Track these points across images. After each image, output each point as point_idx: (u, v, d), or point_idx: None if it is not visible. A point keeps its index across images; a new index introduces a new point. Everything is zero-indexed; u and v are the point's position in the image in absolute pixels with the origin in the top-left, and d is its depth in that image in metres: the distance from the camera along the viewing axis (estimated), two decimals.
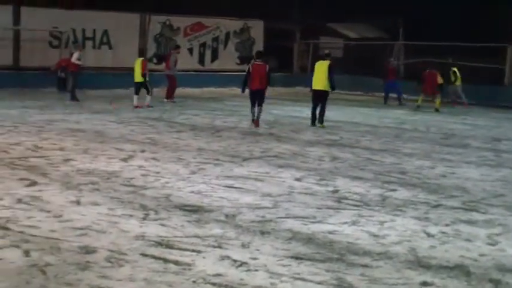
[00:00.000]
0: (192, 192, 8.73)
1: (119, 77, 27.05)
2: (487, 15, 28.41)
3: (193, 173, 10.11)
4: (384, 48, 31.20)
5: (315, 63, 17.83)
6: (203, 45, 31.24)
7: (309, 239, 6.75)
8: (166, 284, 5.30)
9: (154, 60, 29.28)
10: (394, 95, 25.52)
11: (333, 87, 16.96)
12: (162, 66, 26.90)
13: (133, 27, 28.70)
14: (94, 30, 27.67)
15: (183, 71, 25.25)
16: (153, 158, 11.23)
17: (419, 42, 28.25)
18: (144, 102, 20.14)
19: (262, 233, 6.91)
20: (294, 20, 33.21)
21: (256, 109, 16.97)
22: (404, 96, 25.77)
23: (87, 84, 23.55)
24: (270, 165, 11.07)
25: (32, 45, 25.79)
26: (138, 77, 20.57)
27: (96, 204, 7.87)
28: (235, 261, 5.93)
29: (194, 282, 5.38)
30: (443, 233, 7.23)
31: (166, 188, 8.90)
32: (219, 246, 6.36)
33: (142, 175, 9.75)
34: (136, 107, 19.97)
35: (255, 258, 6.02)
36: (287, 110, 21.51)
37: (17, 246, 6.09)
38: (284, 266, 5.87)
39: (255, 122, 16.88)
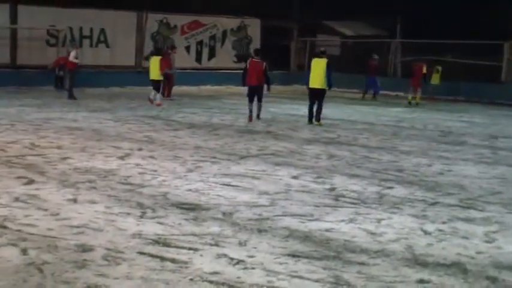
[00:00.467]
0: (189, 190, 8.73)
1: (116, 75, 27.12)
2: (486, 15, 28.48)
3: (191, 171, 10.12)
4: (381, 46, 31.23)
5: (311, 61, 17.76)
6: (200, 43, 31.24)
7: (306, 237, 6.75)
8: (163, 282, 5.31)
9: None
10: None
11: (330, 85, 16.94)
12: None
13: (131, 25, 28.69)
14: (91, 29, 27.65)
15: (180, 69, 25.23)
16: (150, 156, 11.22)
17: (416, 40, 28.26)
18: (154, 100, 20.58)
19: (259, 231, 6.91)
20: (291, 18, 33.21)
21: (255, 105, 17.40)
22: (402, 94, 25.81)
23: (84, 82, 23.54)
24: (267, 163, 11.07)
25: (29, 43, 25.79)
26: (156, 75, 20.89)
27: (93, 202, 7.87)
28: (232, 259, 5.94)
29: (191, 280, 5.38)
30: (440, 230, 7.24)
31: (164, 186, 8.90)
32: (216, 244, 6.36)
33: (140, 173, 9.75)
34: (158, 104, 20.31)
35: (252, 256, 6.03)
36: (284, 108, 21.52)
37: (15, 245, 6.09)
38: (281, 264, 5.87)
39: (250, 117, 17.26)
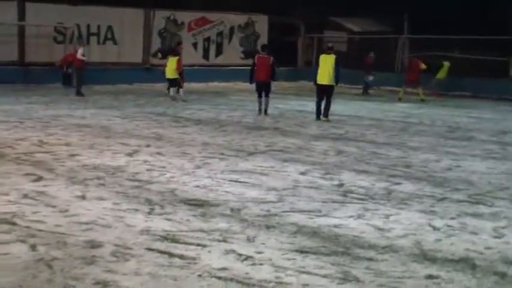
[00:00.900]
0: (197, 186, 8.74)
1: (124, 72, 27.15)
2: (494, 10, 28.37)
3: (199, 167, 10.12)
4: (388, 42, 31.17)
5: (318, 57, 17.79)
6: (207, 40, 31.22)
7: (314, 233, 6.75)
8: (172, 278, 5.32)
9: (159, 55, 29.29)
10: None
11: (337, 81, 16.96)
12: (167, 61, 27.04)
13: (138, 22, 28.71)
14: (98, 26, 27.67)
15: (187, 66, 25.23)
16: (158, 153, 11.24)
17: (424, 36, 28.18)
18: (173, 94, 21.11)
19: (268, 227, 6.91)
20: (298, 14, 33.17)
21: (263, 100, 17.68)
22: (409, 90, 25.76)
23: (92, 79, 23.59)
24: (275, 159, 11.07)
25: (37, 40, 25.82)
26: (172, 74, 21.27)
27: (101, 199, 7.89)
28: (240, 255, 5.94)
29: (199, 276, 5.39)
30: (449, 226, 7.23)
31: (172, 183, 8.91)
32: (224, 240, 6.36)
33: (148, 170, 9.76)
34: (174, 99, 20.63)
35: (260, 252, 6.03)
36: (292, 104, 21.51)
37: (24, 241, 6.11)
38: (289, 259, 5.87)
39: (259, 111, 17.76)
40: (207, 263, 5.67)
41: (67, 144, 11.81)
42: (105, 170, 9.64)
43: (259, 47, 25.15)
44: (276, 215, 7.42)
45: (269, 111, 17.78)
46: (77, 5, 26.89)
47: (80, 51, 21.89)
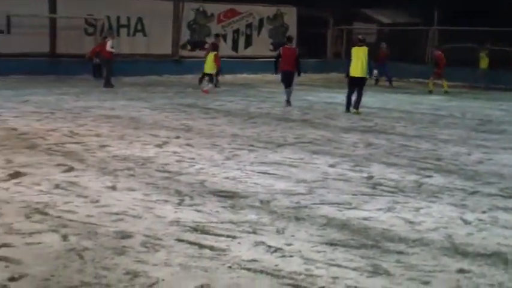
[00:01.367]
0: (227, 178, 8.75)
1: (153, 63, 27.26)
2: None
3: (228, 159, 10.14)
4: (418, 33, 30.93)
5: (349, 49, 17.79)
6: (236, 31, 31.25)
7: (344, 225, 6.73)
8: (202, 269, 5.33)
9: (189, 47, 29.40)
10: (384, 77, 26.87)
11: (370, 74, 17.05)
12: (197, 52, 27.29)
13: (167, 14, 28.77)
14: (128, 18, 27.81)
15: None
16: (188, 144, 11.27)
17: (454, 27, 27.91)
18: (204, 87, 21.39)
19: (297, 219, 6.90)
20: (327, 6, 33.02)
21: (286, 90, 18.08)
22: (439, 82, 25.52)
23: (121, 71, 23.72)
24: (304, 151, 11.05)
25: (68, 32, 26.01)
26: (210, 69, 21.37)
27: (131, 189, 7.93)
28: (270, 247, 5.94)
29: (229, 267, 5.40)
30: (480, 220, 7.16)
31: (201, 174, 8.93)
32: (254, 232, 6.37)
33: (177, 161, 9.79)
34: (205, 91, 20.85)
35: (289, 244, 6.02)
36: (321, 96, 21.45)
37: (55, 231, 6.17)
38: (319, 252, 5.86)
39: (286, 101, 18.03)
40: (236, 255, 5.68)
41: (97, 135, 11.89)
42: (135, 160, 9.69)
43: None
44: (305, 207, 7.40)
45: (298, 103, 17.75)
46: None
47: (109, 43, 22.01)
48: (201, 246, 5.88)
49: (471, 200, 8.04)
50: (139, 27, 28.20)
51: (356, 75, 16.89)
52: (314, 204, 7.55)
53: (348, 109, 16.99)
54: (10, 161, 9.35)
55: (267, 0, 31.89)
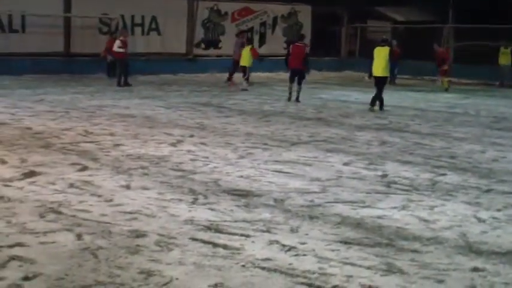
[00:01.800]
0: (241, 176, 8.76)
1: (167, 62, 27.30)
2: None
3: (242, 157, 10.14)
4: (433, 31, 30.78)
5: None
6: (251, 30, 31.20)
7: (358, 224, 6.71)
8: (216, 268, 5.34)
9: (203, 46, 29.43)
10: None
11: (392, 73, 17.17)
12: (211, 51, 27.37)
13: (182, 12, 28.80)
14: (143, 17, 27.85)
15: (231, 56, 25.28)
16: (202, 143, 11.28)
17: (469, 25, 27.74)
18: (239, 85, 21.88)
19: (311, 217, 6.90)
20: (341, 3, 32.95)
21: (295, 87, 18.48)
22: (455, 79, 25.41)
23: (136, 70, 23.77)
24: (318, 149, 11.04)
25: (82, 32, 26.09)
26: (246, 62, 21.88)
27: (145, 188, 7.95)
28: (284, 245, 5.94)
29: (243, 266, 5.40)
30: (495, 218, 7.12)
31: (215, 173, 8.94)
32: (268, 231, 6.36)
33: (191, 160, 9.81)
34: (244, 89, 21.32)
35: (303, 243, 6.02)
36: (335, 94, 21.42)
37: (70, 230, 6.19)
38: (333, 250, 5.85)
39: (289, 97, 18.60)
40: (250, 253, 5.68)
41: (111, 134, 11.93)
42: (149, 159, 9.71)
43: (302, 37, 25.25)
44: (319, 205, 7.40)
45: (312, 101, 17.77)
46: None
47: (117, 42, 22.08)
48: (215, 245, 5.88)
49: (485, 198, 8.01)
50: (153, 26, 28.23)
51: (377, 75, 17.09)
52: (328, 202, 7.54)
53: (380, 108, 17.15)
54: (25, 160, 9.39)
55: None
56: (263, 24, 31.66)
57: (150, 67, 25.96)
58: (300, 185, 8.34)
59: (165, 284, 5.00)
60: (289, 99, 18.63)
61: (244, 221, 6.69)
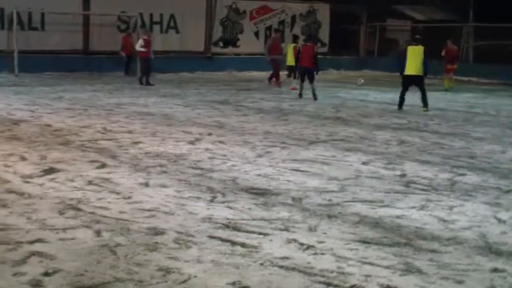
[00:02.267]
0: (259, 175, 8.75)
1: (186, 60, 27.36)
2: None
3: (260, 156, 10.14)
4: (452, 30, 30.64)
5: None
6: (269, 28, 31.19)
7: (376, 223, 6.69)
8: (234, 266, 5.33)
9: (221, 44, 29.46)
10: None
11: (426, 72, 17.08)
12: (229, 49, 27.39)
13: (200, 11, 28.87)
14: (161, 15, 27.93)
15: (249, 54, 25.31)
16: (220, 141, 11.29)
17: (490, 24, 27.58)
18: (290, 85, 21.86)
19: (329, 216, 6.88)
20: (360, 2, 32.87)
21: (308, 86, 18.94)
22: (475, 79, 25.26)
23: (154, 68, 23.83)
24: (336, 148, 11.01)
25: (101, 29, 26.21)
26: (291, 61, 22.11)
27: (164, 186, 7.96)
28: (302, 244, 5.92)
29: (261, 264, 5.39)
30: None
31: (233, 171, 8.94)
32: (286, 229, 6.35)
33: (209, 158, 9.82)
34: (292, 88, 21.20)
35: (321, 242, 6.00)
36: (354, 93, 21.36)
37: (88, 227, 6.21)
38: (351, 250, 5.83)
39: (300, 94, 19.28)
40: (268, 252, 5.68)
41: (130, 132, 11.97)
42: (168, 157, 9.73)
43: (321, 37, 25.30)
44: (337, 204, 7.37)
45: (330, 100, 17.75)
46: None
47: (140, 42, 22.15)
48: (233, 243, 5.88)
49: (505, 198, 7.95)
50: (172, 24, 28.30)
51: (411, 74, 17.03)
52: (346, 202, 7.52)
53: (400, 107, 17.10)
54: (44, 157, 9.45)
55: None
56: (281, 22, 31.64)
57: (169, 65, 26.02)
58: (318, 184, 8.33)
59: (183, 282, 5.00)
60: (300, 95, 19.19)
61: (262, 219, 6.68)
